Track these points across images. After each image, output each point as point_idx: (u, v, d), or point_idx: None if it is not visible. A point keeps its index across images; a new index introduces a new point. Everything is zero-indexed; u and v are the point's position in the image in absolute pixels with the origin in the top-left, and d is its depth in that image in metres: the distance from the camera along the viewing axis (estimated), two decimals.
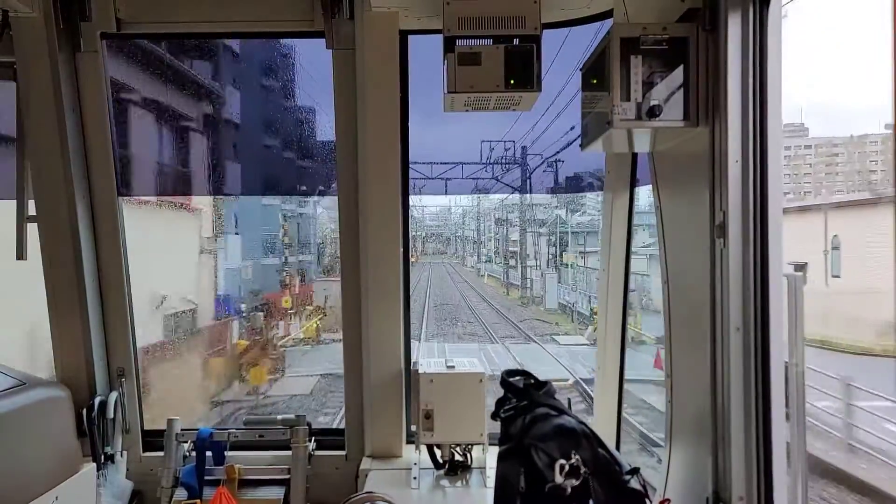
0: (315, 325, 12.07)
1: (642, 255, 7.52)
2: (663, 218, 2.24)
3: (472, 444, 2.71)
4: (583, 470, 1.74)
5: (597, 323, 2.84)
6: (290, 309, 11.54)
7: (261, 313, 10.49)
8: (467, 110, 2.40)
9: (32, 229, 2.79)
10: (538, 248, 21.53)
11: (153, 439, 3.03)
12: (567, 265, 19.93)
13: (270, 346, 10.36)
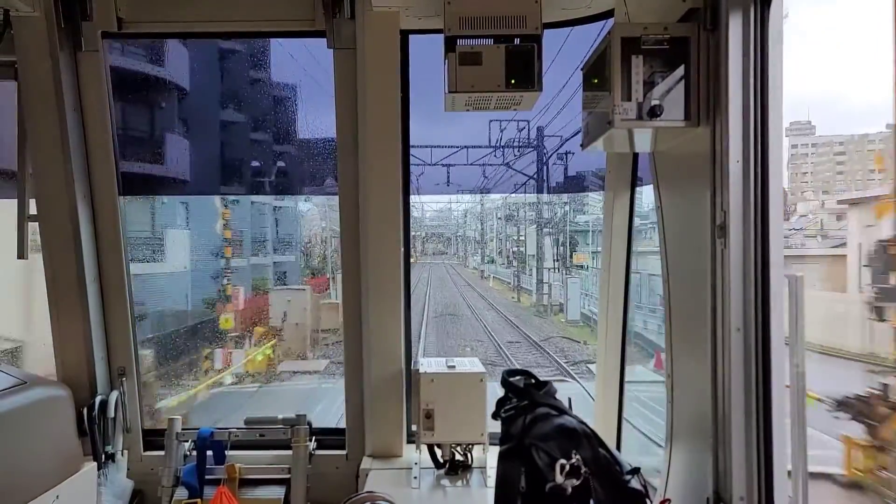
0: (267, 356, 8.71)
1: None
2: (664, 218, 2.24)
3: (472, 444, 2.71)
4: (583, 470, 1.74)
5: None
6: (231, 331, 8.30)
7: (149, 351, 6.54)
8: (468, 110, 2.40)
9: (33, 228, 2.80)
10: (543, 247, 19.82)
11: (154, 438, 3.03)
12: (581, 267, 17.80)
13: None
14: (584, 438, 1.84)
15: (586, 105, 2.16)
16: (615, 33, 1.85)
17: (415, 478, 2.64)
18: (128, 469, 2.94)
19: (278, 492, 2.77)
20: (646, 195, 2.73)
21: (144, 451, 3.03)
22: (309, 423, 2.81)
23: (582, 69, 2.17)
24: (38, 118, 2.71)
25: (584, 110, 2.19)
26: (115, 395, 2.90)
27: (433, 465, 2.70)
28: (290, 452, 2.78)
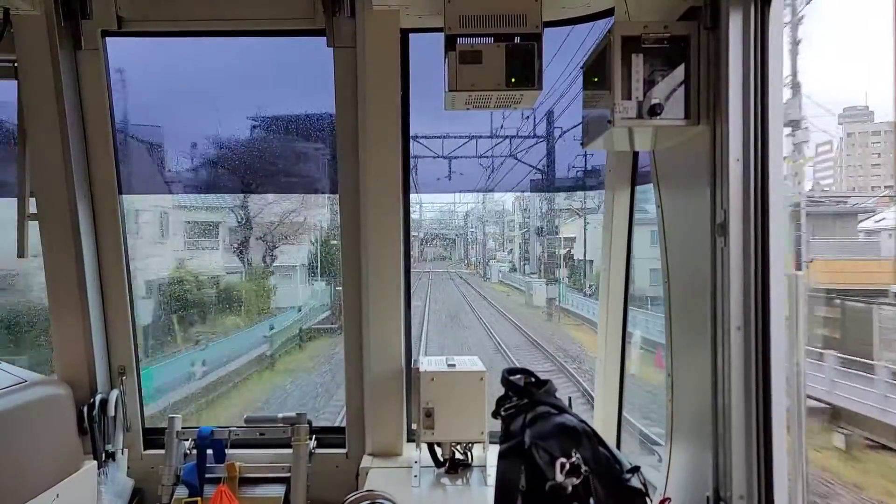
0: None
1: None
2: (664, 216, 2.24)
3: (472, 443, 2.71)
4: (583, 468, 1.74)
5: None
6: None
7: None
8: (468, 108, 2.40)
9: (33, 227, 2.80)
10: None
11: (154, 437, 3.04)
12: None
13: None
14: (584, 437, 1.84)
15: (586, 103, 2.16)
16: (615, 32, 1.85)
17: (415, 476, 2.64)
18: (128, 467, 2.94)
19: (278, 490, 2.77)
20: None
21: (145, 449, 3.03)
22: (309, 422, 2.81)
23: (582, 68, 2.17)
24: (38, 117, 2.71)
25: (584, 109, 2.19)
26: (115, 393, 2.90)
27: (433, 464, 2.70)
28: (290, 451, 2.78)
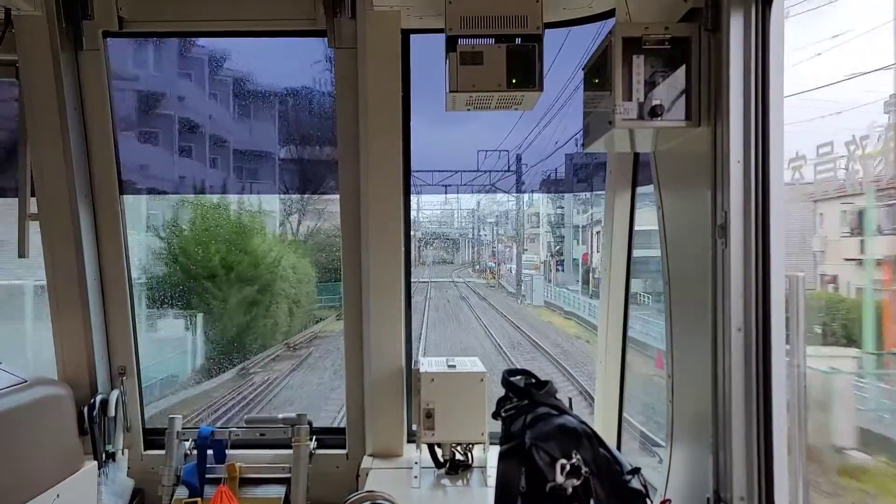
0: None
1: None
2: (665, 218, 2.24)
3: (472, 444, 2.71)
4: (584, 470, 1.74)
5: None
6: None
7: None
8: (469, 109, 2.41)
9: (34, 227, 2.81)
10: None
11: (154, 437, 3.04)
12: None
13: None
14: (584, 438, 1.84)
15: (587, 105, 2.16)
16: (616, 33, 1.85)
17: (415, 477, 2.64)
18: (128, 468, 2.94)
19: (279, 491, 2.77)
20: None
21: (145, 449, 3.03)
22: (309, 423, 2.81)
23: (583, 69, 2.17)
24: (39, 117, 2.71)
25: (585, 110, 2.19)
26: (115, 393, 2.90)
27: (433, 465, 2.70)
28: (290, 452, 2.78)
